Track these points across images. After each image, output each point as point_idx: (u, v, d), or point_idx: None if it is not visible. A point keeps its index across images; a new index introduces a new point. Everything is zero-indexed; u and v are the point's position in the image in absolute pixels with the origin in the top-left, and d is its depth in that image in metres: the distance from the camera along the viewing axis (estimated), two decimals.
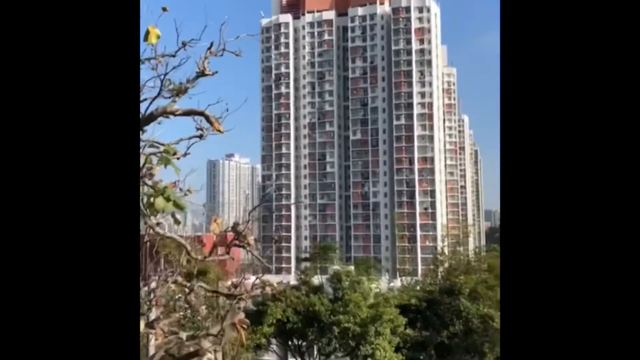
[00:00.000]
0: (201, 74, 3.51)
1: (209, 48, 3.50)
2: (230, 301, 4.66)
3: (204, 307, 5.78)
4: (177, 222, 3.67)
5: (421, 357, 19.20)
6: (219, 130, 3.59)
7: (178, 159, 4.63)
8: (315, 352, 20.00)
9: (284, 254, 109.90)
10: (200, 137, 4.05)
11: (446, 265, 27.54)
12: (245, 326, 4.83)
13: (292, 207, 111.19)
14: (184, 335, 4.33)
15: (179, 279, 4.87)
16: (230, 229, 4.10)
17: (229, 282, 6.78)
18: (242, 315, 4.93)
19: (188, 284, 4.95)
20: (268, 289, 4.91)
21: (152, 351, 5.37)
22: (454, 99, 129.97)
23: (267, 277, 27.54)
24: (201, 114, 3.59)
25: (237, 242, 4.02)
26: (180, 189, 4.54)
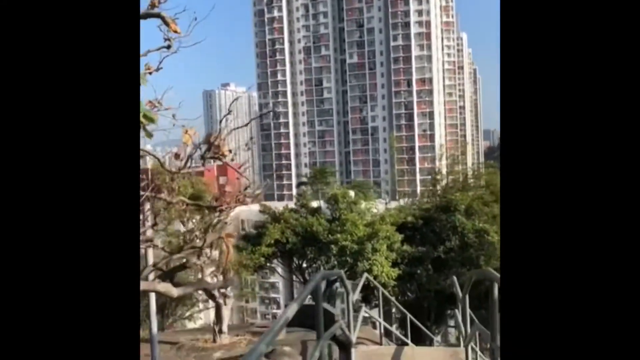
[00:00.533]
0: None
1: None
2: (212, 214, 4.75)
3: (186, 220, 5.88)
4: (148, 135, 3.65)
5: (418, 271, 19.89)
6: (176, 31, 3.47)
7: (150, 73, 4.54)
8: (317, 269, 20.73)
9: (285, 182, 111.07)
10: (168, 47, 3.93)
11: (443, 183, 27.80)
12: (232, 240, 4.97)
13: (290, 133, 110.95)
14: (168, 250, 4.49)
15: (163, 195, 4.95)
16: (203, 140, 4.10)
17: (209, 197, 6.86)
18: (229, 230, 5.05)
19: (168, 198, 5.02)
20: (248, 200, 4.97)
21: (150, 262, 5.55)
22: (452, 16, 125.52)
23: (269, 204, 27.94)
24: (157, 15, 3.45)
25: (211, 153, 4.03)
26: (156, 104, 4.49)
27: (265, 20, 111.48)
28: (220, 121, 4.48)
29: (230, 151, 4.29)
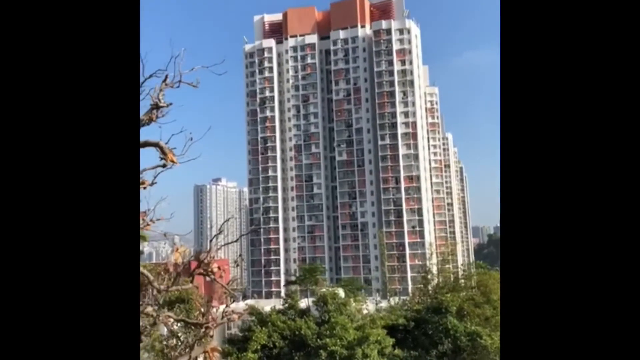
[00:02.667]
0: (155, 106, 3.55)
1: (164, 80, 3.55)
2: (198, 330, 4.63)
3: (165, 334, 5.69)
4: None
5: None
6: (173, 161, 3.61)
7: (145, 187, 4.65)
8: None
9: (274, 278, 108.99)
10: (164, 166, 4.08)
11: (434, 283, 27.47)
12: (217, 354, 4.79)
13: (280, 228, 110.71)
14: None
15: (149, 309, 4.83)
16: (193, 257, 4.10)
17: (212, 309, 6.72)
18: (213, 343, 4.89)
19: (154, 314, 4.91)
20: (235, 316, 4.87)
21: None
22: (437, 117, 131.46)
23: (258, 302, 27.13)
24: (155, 145, 3.61)
25: (200, 270, 4.02)
26: (148, 220, 4.54)
27: (258, 119, 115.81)
28: (211, 240, 4.52)
29: (219, 268, 4.29)
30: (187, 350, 4.82)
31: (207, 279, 4.25)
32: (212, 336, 4.75)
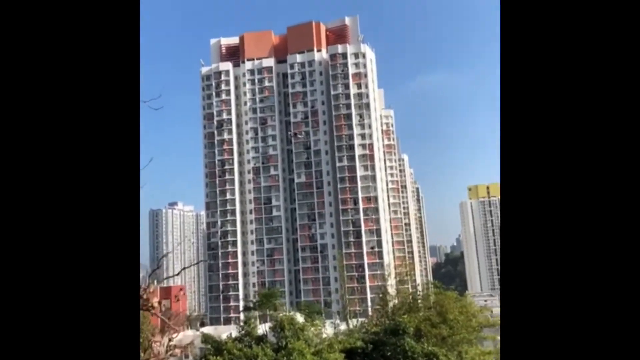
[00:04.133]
0: None
1: None
2: None
3: None
4: None
5: None
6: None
7: None
8: None
9: (232, 303, 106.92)
10: None
11: (392, 304, 27.65)
12: None
13: (239, 252, 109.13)
14: None
15: None
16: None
17: (156, 344, 6.52)
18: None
19: None
20: (177, 351, 4.71)
21: None
22: (393, 139, 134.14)
23: (216, 329, 26.46)
24: None
25: (141, 305, 3.90)
26: None
27: (215, 142, 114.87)
28: (149, 275, 4.41)
29: (159, 302, 4.18)
30: None
31: (151, 313, 4.14)
32: None
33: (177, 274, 5.10)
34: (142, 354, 4.69)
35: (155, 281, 4.12)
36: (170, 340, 5.07)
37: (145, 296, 4.03)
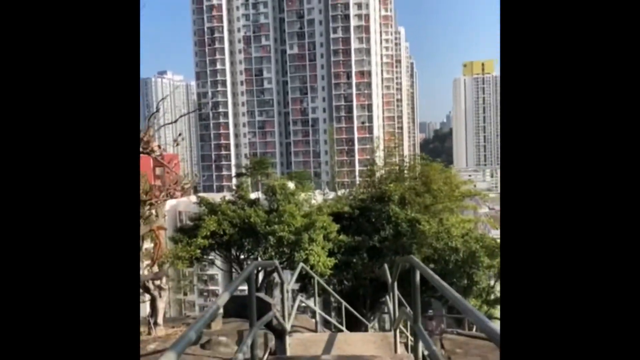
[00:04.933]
0: None
1: None
2: (143, 209, 4.78)
3: None
4: None
5: (354, 260, 20.43)
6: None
7: None
8: (255, 260, 20.80)
9: (225, 172, 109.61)
10: None
11: (379, 174, 28.53)
12: (162, 232, 5.03)
13: (230, 123, 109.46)
14: None
15: None
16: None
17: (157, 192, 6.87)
18: (160, 222, 5.11)
19: None
20: (178, 194, 5.05)
21: None
22: (391, 10, 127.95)
23: (209, 195, 27.34)
24: None
25: (141, 149, 4.07)
26: None
27: (204, 8, 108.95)
28: (148, 118, 4.53)
29: (159, 146, 4.36)
30: None
31: (158, 168, 4.34)
32: (157, 216, 4.93)
33: (175, 121, 5.24)
34: (144, 196, 4.99)
35: (153, 129, 4.26)
36: (168, 187, 5.32)
37: (145, 138, 4.19)
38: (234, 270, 23.30)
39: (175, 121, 4.92)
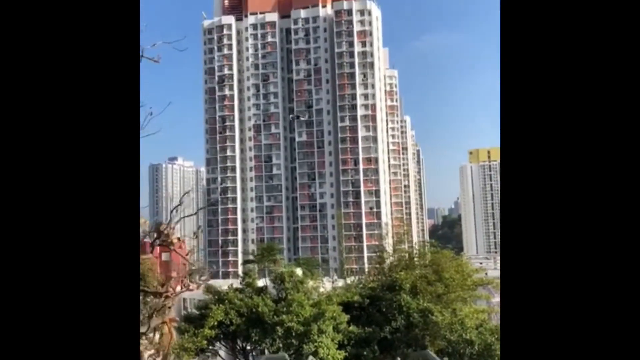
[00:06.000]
0: None
1: None
2: (157, 300, 4.69)
3: None
4: None
5: (364, 353, 19.60)
6: None
7: None
8: (262, 352, 20.03)
9: (231, 258, 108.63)
10: None
11: (389, 262, 28.13)
12: (175, 324, 4.87)
13: (238, 208, 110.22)
14: None
15: None
16: (152, 229, 4.16)
17: (155, 283, 6.80)
18: (172, 314, 4.97)
19: None
20: (193, 287, 4.96)
21: None
22: (396, 100, 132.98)
23: (216, 282, 26.94)
24: None
25: (159, 241, 4.07)
26: None
27: (217, 97, 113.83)
28: (172, 212, 4.59)
29: (179, 239, 4.37)
30: (147, 319, 4.89)
31: (165, 254, 4.32)
32: (170, 307, 4.82)
33: (196, 213, 5.26)
34: (160, 288, 4.92)
35: (174, 220, 4.29)
36: (184, 278, 5.30)
37: (166, 232, 4.21)
38: None
39: (196, 213, 4.94)
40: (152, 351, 5.87)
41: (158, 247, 4.83)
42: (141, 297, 5.46)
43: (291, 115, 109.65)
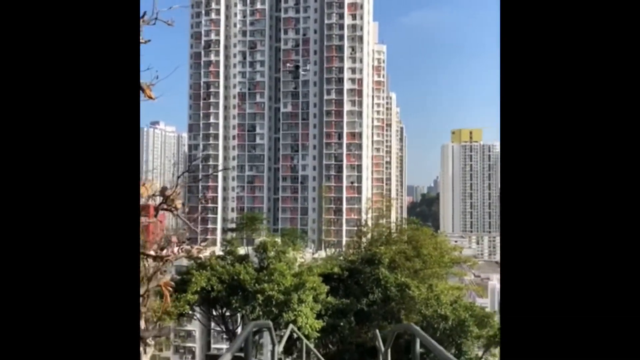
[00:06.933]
0: None
1: (142, 17, 3.57)
2: (157, 263, 4.81)
3: None
4: None
5: (341, 324, 20.06)
6: (150, 97, 3.68)
7: None
8: (239, 320, 20.36)
9: (210, 225, 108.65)
10: None
11: (369, 236, 28.55)
12: (170, 289, 5.02)
13: (219, 177, 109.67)
14: None
15: None
16: (158, 193, 4.23)
17: (154, 246, 6.89)
18: (167, 278, 5.11)
19: None
20: (194, 251, 5.08)
21: None
22: (383, 76, 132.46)
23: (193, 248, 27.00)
24: None
25: (165, 206, 4.17)
26: None
27: (202, 63, 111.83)
28: (179, 177, 4.66)
29: (183, 204, 4.46)
30: (145, 282, 5.01)
31: (173, 214, 4.43)
32: (165, 271, 4.96)
33: (211, 174, 5.31)
34: (160, 251, 5.02)
35: (180, 185, 4.38)
36: (183, 242, 5.41)
37: (172, 197, 4.30)
38: (215, 327, 22.69)
39: (211, 175, 4.98)
40: (150, 313, 6.00)
41: (151, 210, 4.92)
42: (142, 260, 5.54)
43: (289, 65, 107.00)
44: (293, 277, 18.47)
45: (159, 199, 4.24)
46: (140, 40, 3.64)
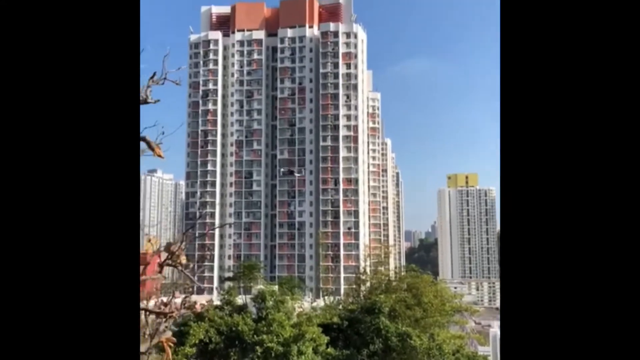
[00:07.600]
0: (144, 102, 3.65)
1: (152, 77, 3.66)
2: (160, 319, 4.70)
3: None
4: None
5: None
6: (160, 156, 3.72)
7: None
8: None
9: (207, 274, 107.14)
10: None
11: (368, 284, 28.22)
12: (172, 345, 4.88)
13: (216, 222, 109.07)
14: None
15: None
16: (163, 248, 4.19)
17: (152, 302, 6.78)
18: (169, 333, 4.98)
19: None
20: (198, 307, 4.96)
21: None
22: (378, 122, 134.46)
23: (190, 297, 26.57)
24: (142, 139, 3.71)
25: (169, 261, 4.12)
26: None
27: (200, 112, 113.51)
28: (184, 233, 4.64)
29: (187, 259, 4.42)
30: (148, 339, 4.89)
31: (178, 269, 4.38)
32: (168, 327, 4.84)
33: (223, 226, 5.28)
34: (163, 307, 4.91)
35: (186, 240, 4.35)
36: (186, 297, 5.33)
37: (177, 252, 4.26)
38: None
39: (214, 230, 4.96)
40: None
41: (154, 261, 4.87)
42: (144, 317, 5.44)
43: (282, 169, 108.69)
44: (292, 328, 18.09)
45: (163, 254, 4.22)
46: (150, 100, 3.72)
